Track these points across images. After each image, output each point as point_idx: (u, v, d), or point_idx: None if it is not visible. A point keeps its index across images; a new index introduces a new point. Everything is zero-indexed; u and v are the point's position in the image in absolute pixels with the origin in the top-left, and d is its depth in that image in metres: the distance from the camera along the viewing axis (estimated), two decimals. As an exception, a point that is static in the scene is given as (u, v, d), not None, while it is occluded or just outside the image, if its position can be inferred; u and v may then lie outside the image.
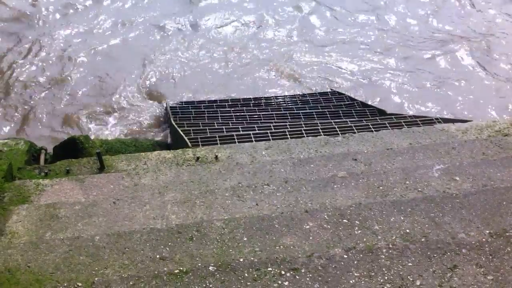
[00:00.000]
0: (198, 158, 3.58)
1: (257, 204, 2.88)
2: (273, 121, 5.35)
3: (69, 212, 2.81)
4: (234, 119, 5.38)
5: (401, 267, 2.31)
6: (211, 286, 2.23)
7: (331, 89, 6.43)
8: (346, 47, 7.32)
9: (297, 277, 2.27)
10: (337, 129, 4.66)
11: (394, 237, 2.51)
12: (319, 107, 5.82)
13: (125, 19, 7.61)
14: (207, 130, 4.87)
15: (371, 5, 8.25)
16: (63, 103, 6.01)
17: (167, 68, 6.73)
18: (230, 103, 6.03)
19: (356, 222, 2.63)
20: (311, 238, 2.52)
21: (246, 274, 2.29)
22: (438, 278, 2.24)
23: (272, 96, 6.25)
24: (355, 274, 2.28)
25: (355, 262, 2.35)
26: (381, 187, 3.00)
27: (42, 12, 7.63)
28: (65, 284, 2.25)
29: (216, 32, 7.51)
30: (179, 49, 7.10)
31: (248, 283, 2.24)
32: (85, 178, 3.24)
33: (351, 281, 2.24)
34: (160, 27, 7.53)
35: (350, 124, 4.84)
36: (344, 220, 2.64)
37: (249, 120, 5.37)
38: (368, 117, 5.46)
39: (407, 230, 2.56)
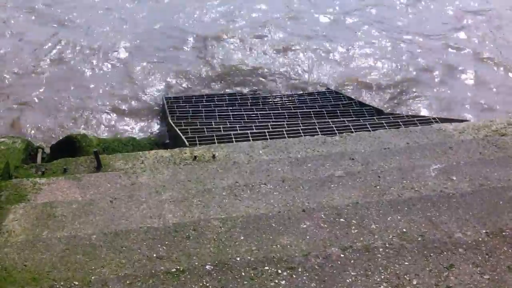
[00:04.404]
0: (195, 157, 3.58)
1: (254, 203, 2.88)
2: (270, 120, 5.35)
3: (66, 211, 2.81)
4: (231, 118, 5.38)
5: (397, 266, 2.32)
6: (208, 285, 2.23)
7: (328, 89, 6.44)
8: (343, 46, 7.32)
9: (294, 276, 2.27)
10: (334, 128, 4.66)
11: (390, 236, 2.51)
12: (317, 107, 5.82)
13: (122, 18, 7.61)
14: (205, 129, 4.87)
15: (368, 3, 8.27)
16: (60, 102, 5.99)
17: (165, 66, 6.71)
18: (227, 99, 6.03)
19: (353, 221, 2.64)
20: (308, 237, 2.53)
21: (243, 273, 2.29)
22: (435, 277, 2.24)
23: (270, 95, 6.25)
24: (352, 273, 2.28)
25: (352, 261, 2.35)
26: (378, 187, 3.01)
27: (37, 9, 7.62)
28: (62, 283, 2.25)
29: (213, 28, 7.51)
30: (177, 46, 7.10)
31: (245, 282, 2.24)
32: (82, 177, 3.24)
33: (347, 280, 2.25)
34: (158, 25, 7.53)
35: (347, 124, 4.84)
36: (341, 219, 2.65)
37: (247, 119, 5.37)
38: (366, 116, 5.47)
39: (404, 230, 2.56)
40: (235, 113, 5.51)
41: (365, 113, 5.59)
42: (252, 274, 2.28)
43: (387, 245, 2.44)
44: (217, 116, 5.44)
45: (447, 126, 4.00)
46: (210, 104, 5.91)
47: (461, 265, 2.31)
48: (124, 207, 2.85)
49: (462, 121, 4.35)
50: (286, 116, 5.49)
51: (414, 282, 2.22)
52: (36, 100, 5.98)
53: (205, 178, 3.24)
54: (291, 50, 7.18)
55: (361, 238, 2.51)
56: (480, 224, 2.59)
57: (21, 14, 7.59)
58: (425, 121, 4.92)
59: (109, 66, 6.67)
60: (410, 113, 5.71)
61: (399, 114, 5.55)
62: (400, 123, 4.74)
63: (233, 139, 4.43)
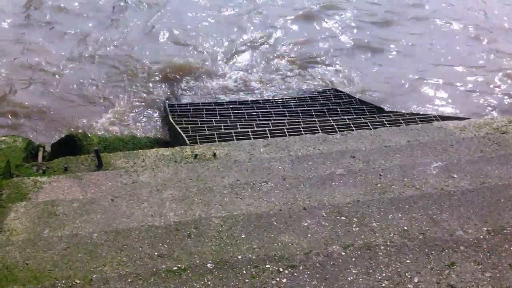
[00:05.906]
0: (196, 155, 3.58)
1: (255, 202, 2.88)
2: (271, 118, 5.35)
3: (67, 210, 2.81)
4: (232, 117, 5.38)
5: (399, 264, 2.31)
6: (209, 283, 2.23)
7: (329, 87, 6.43)
8: (343, 44, 7.32)
9: (295, 274, 2.27)
10: (335, 126, 4.67)
11: (392, 234, 2.51)
12: (317, 105, 5.82)
13: (122, 20, 7.62)
14: (205, 128, 4.87)
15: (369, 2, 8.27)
16: (61, 100, 5.99)
17: (165, 66, 6.71)
18: (228, 101, 6.03)
19: (354, 219, 2.63)
20: (309, 235, 2.53)
21: (244, 271, 2.29)
22: (436, 275, 2.24)
23: (270, 94, 6.24)
24: (353, 271, 2.28)
25: (353, 259, 2.35)
26: (379, 185, 3.01)
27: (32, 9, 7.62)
28: (63, 281, 2.25)
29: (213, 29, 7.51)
30: (177, 46, 7.09)
31: (246, 280, 2.24)
32: (83, 176, 3.24)
33: (349, 278, 2.24)
34: (157, 24, 7.53)
35: (348, 122, 4.84)
36: (342, 218, 2.65)
37: (247, 117, 5.37)
38: (366, 114, 5.47)
39: (405, 227, 2.56)
40: (236, 111, 5.51)
41: (366, 111, 5.59)
42: (253, 272, 2.28)
43: (388, 243, 2.44)
44: (217, 115, 5.44)
45: (448, 124, 4.00)
46: (211, 103, 5.91)
47: (462, 263, 2.31)
48: (125, 206, 2.85)
49: (463, 119, 4.35)
50: (287, 115, 5.49)
51: (416, 280, 2.22)
52: (37, 99, 5.98)
53: (206, 176, 3.24)
54: (290, 48, 7.18)
55: (362, 236, 2.51)
56: (481, 222, 2.58)
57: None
58: (426, 119, 4.92)
59: (109, 64, 6.66)
60: (411, 111, 5.71)
61: (400, 112, 5.55)
62: (401, 121, 4.75)
63: (234, 138, 4.43)
